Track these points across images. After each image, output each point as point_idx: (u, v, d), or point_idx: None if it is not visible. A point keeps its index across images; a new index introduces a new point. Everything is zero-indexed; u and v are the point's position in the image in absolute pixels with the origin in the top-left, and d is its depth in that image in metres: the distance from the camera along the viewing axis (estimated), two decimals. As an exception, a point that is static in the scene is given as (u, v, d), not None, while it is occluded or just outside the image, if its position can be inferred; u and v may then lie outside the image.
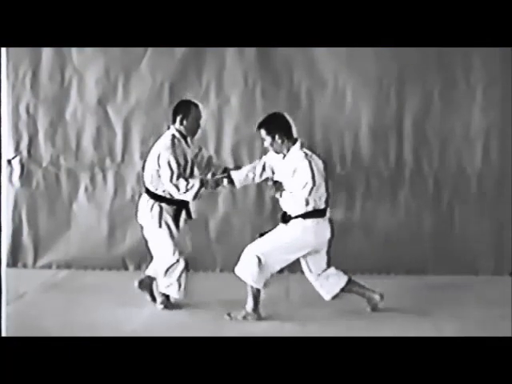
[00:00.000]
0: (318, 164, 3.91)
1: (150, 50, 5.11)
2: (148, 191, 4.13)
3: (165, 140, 4.05)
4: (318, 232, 3.92)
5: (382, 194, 5.14)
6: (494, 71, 5.01)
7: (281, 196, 3.93)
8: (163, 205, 4.08)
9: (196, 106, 4.13)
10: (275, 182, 4.01)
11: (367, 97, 5.08)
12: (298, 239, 3.90)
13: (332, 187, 5.09)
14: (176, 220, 4.12)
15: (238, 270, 3.98)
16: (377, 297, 4.09)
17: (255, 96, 5.12)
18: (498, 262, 5.10)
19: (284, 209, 3.96)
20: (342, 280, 4.06)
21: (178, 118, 4.07)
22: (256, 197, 5.14)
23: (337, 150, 5.13)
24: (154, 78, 5.15)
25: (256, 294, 3.95)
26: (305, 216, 3.87)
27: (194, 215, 4.32)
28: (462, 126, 5.08)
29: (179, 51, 5.09)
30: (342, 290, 4.07)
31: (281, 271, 4.62)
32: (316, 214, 3.90)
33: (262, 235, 4.03)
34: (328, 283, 4.04)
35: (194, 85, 5.14)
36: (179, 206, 4.12)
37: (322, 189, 3.91)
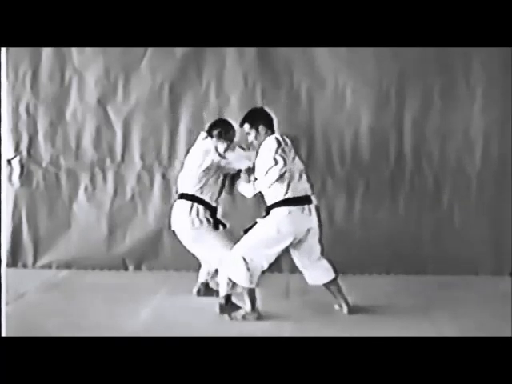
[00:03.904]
0: (285, 153, 3.88)
1: (149, 49, 5.11)
2: (187, 196, 4.13)
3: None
4: (293, 221, 3.89)
5: (382, 193, 5.14)
6: (494, 71, 5.01)
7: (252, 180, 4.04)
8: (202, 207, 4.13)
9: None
10: (249, 169, 4.10)
11: (367, 97, 5.08)
12: (275, 231, 3.89)
13: (332, 187, 5.15)
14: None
15: (227, 273, 3.97)
16: (345, 309, 4.07)
17: (255, 96, 5.12)
18: (498, 262, 5.09)
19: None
20: (330, 275, 4.06)
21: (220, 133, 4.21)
22: (256, 197, 5.13)
23: (337, 149, 5.13)
24: (154, 78, 5.15)
25: (251, 294, 3.95)
26: (279, 205, 3.89)
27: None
28: (461, 125, 5.08)
29: (179, 51, 5.09)
30: (324, 284, 4.08)
31: (280, 271, 4.64)
32: (289, 202, 3.90)
33: (246, 231, 4.03)
34: (316, 273, 4.05)
35: (194, 85, 5.14)
36: (213, 210, 4.19)
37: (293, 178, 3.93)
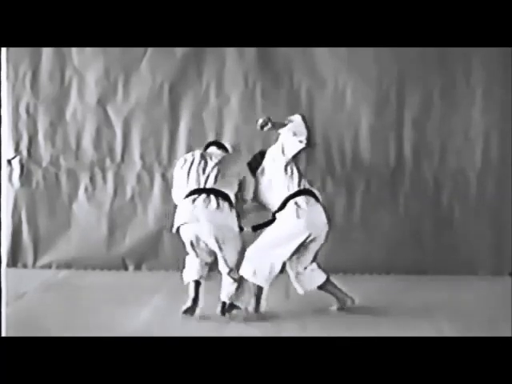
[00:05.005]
0: None
1: (150, 49, 5.11)
2: (221, 194, 3.95)
3: None
4: (313, 211, 3.89)
5: (382, 193, 5.14)
6: (494, 71, 5.01)
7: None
8: None
9: None
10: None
11: (367, 97, 5.08)
12: (295, 219, 3.87)
13: (332, 187, 5.15)
14: None
15: (245, 272, 3.90)
16: (349, 301, 4.07)
17: (255, 96, 5.12)
18: (498, 262, 5.09)
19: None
20: (321, 278, 4.04)
21: None
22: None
23: (337, 149, 5.13)
24: (154, 78, 5.15)
25: (259, 294, 3.93)
26: (297, 195, 3.92)
27: None
28: (462, 126, 5.09)
29: (179, 51, 5.09)
30: (320, 287, 4.06)
31: (281, 272, 4.62)
32: (306, 192, 3.96)
33: (254, 228, 4.03)
34: (305, 278, 4.04)
35: (194, 85, 5.14)
36: None
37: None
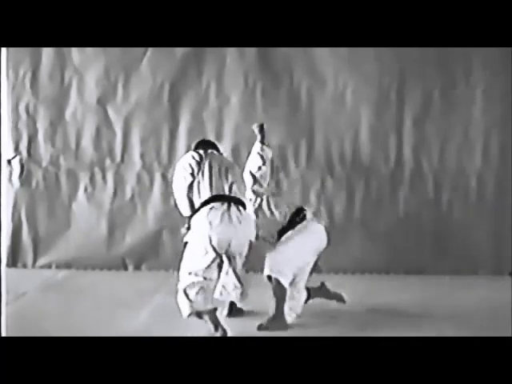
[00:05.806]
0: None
1: (150, 50, 5.12)
2: (242, 203, 3.80)
3: None
4: (315, 224, 3.94)
5: (382, 193, 5.15)
6: (494, 71, 5.02)
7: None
8: None
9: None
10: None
11: (367, 97, 5.09)
12: (318, 230, 3.91)
13: (332, 187, 5.15)
14: None
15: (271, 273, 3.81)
16: (335, 294, 4.10)
17: (255, 96, 5.13)
18: (498, 262, 5.10)
19: None
20: (303, 296, 3.96)
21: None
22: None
23: (337, 150, 5.13)
24: (154, 78, 5.16)
25: (279, 300, 3.83)
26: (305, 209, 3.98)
27: None
28: (461, 125, 5.09)
29: (179, 51, 5.10)
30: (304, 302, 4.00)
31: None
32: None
33: (280, 233, 3.94)
34: (294, 302, 3.91)
35: (194, 85, 5.15)
36: None
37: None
